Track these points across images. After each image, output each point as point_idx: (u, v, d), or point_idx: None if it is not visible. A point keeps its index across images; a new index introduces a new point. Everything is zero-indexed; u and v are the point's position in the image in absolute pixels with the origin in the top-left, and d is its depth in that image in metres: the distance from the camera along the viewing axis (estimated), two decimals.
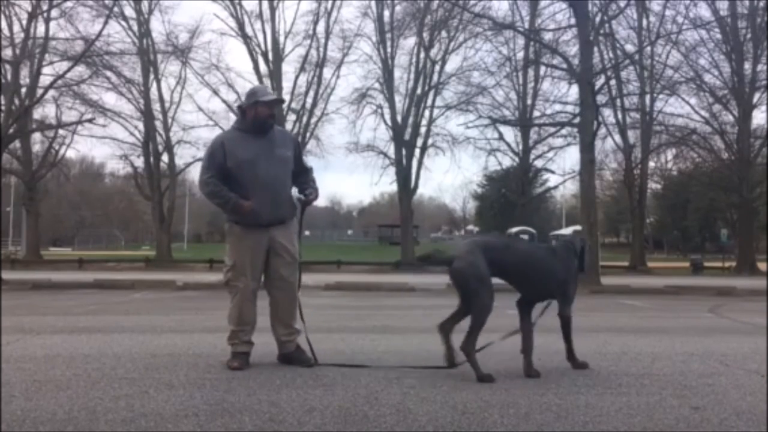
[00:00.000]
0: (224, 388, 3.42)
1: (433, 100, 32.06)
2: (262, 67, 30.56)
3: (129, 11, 29.56)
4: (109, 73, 27.25)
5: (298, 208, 4.35)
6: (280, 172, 4.17)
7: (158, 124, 30.98)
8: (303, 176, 4.36)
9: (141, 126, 30.92)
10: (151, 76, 30.29)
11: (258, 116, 4.17)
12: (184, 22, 76.74)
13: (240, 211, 4.05)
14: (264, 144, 4.16)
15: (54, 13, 24.19)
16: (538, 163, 35.56)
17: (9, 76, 23.97)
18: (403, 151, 31.30)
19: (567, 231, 28.20)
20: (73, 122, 27.24)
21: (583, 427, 2.78)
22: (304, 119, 30.95)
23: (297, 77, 31.06)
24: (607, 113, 30.02)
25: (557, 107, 30.80)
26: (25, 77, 25.62)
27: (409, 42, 32.19)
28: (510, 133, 34.43)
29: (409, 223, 32.37)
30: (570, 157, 76.11)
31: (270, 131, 4.25)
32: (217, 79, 30.43)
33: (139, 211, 56.70)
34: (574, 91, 25.23)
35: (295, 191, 4.34)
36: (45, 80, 24.72)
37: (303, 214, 4.43)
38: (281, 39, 30.73)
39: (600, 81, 19.73)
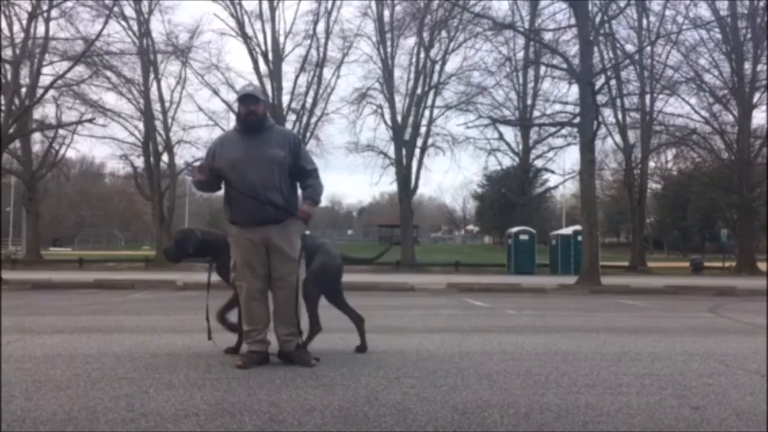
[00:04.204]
0: (224, 388, 3.42)
1: (433, 100, 32.07)
2: (262, 67, 30.57)
3: (129, 11, 29.55)
4: (109, 73, 27.24)
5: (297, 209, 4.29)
6: (267, 173, 4.09)
7: (158, 124, 30.98)
8: (303, 178, 4.26)
9: (141, 126, 30.91)
10: (151, 76, 30.27)
11: (239, 115, 4.25)
12: (184, 22, 76.72)
13: (199, 172, 4.14)
14: (255, 144, 4.14)
15: (54, 13, 24.16)
16: (538, 163, 35.62)
17: (9, 76, 23.94)
18: (403, 151, 31.27)
19: (567, 231, 28.19)
20: (73, 122, 27.21)
21: (583, 427, 2.78)
22: (304, 119, 30.95)
23: (297, 77, 31.05)
24: (607, 113, 30.07)
25: (557, 107, 30.87)
26: (25, 77, 25.61)
27: (409, 42, 32.21)
28: (510, 133, 34.49)
29: (409, 223, 32.35)
30: (570, 157, 76.26)
31: (266, 131, 4.21)
32: (217, 79, 30.41)
33: (139, 211, 56.71)
34: (574, 91, 25.27)
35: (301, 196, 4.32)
36: (45, 80, 24.71)
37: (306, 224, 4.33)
38: (281, 39, 30.74)
39: (600, 81, 19.73)
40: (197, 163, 4.20)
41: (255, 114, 4.16)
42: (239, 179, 4.07)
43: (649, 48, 28.17)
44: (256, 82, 30.00)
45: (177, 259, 4.74)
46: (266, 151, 4.12)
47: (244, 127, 4.21)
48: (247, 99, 4.19)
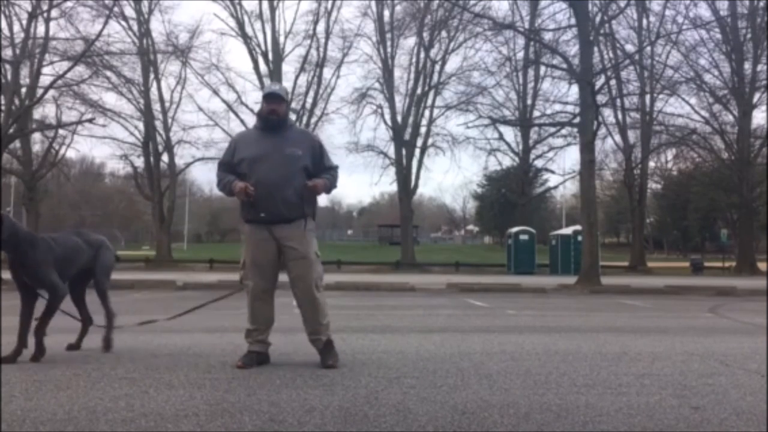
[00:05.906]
0: (224, 388, 3.42)
1: (433, 100, 32.11)
2: (262, 67, 30.59)
3: (129, 11, 29.62)
4: (109, 73, 27.25)
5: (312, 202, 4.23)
6: (284, 171, 4.06)
7: (158, 124, 30.99)
8: (325, 172, 4.26)
9: (141, 126, 30.94)
10: (151, 76, 30.30)
11: (260, 113, 4.25)
12: (184, 22, 76.88)
13: (235, 192, 4.05)
14: (275, 142, 4.13)
15: (54, 13, 24.21)
16: (538, 163, 35.67)
17: (9, 76, 23.94)
18: (403, 151, 31.30)
19: (567, 231, 28.20)
20: (73, 122, 27.20)
21: (583, 427, 2.78)
22: (304, 119, 30.96)
23: (297, 77, 31.09)
24: (607, 113, 30.12)
25: (557, 107, 30.93)
26: (25, 77, 25.59)
27: (409, 42, 32.24)
28: (510, 133, 34.53)
29: (409, 223, 32.36)
30: (570, 157, 76.43)
31: (286, 130, 4.22)
32: (217, 79, 30.46)
33: (139, 211, 56.73)
34: (574, 91, 25.31)
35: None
36: (45, 80, 24.73)
37: (313, 204, 4.24)
38: (281, 39, 30.75)
39: (600, 81, 19.73)
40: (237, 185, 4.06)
41: (276, 114, 4.18)
42: (253, 176, 4.05)
43: (649, 48, 28.21)
44: (256, 82, 30.11)
45: None
46: (285, 149, 4.12)
47: (264, 124, 4.21)
48: (271, 97, 4.21)
